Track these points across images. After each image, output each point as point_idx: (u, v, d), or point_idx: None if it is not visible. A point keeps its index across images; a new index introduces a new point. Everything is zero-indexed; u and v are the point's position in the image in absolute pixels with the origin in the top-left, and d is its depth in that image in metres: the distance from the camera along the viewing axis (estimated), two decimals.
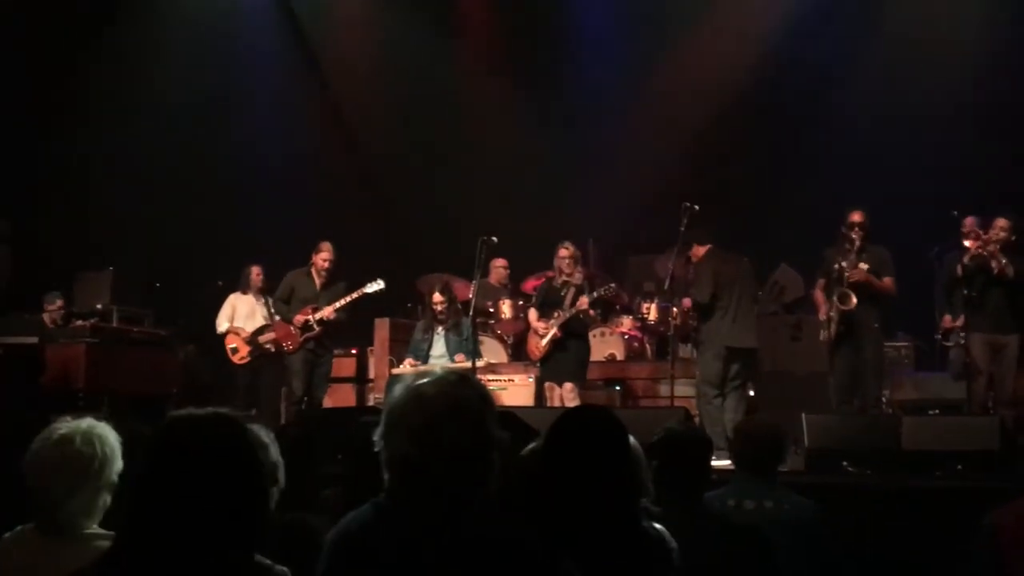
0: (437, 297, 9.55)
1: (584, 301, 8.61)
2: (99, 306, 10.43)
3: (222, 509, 1.96)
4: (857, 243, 8.25)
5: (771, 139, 11.83)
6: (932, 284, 9.13)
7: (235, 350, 10.13)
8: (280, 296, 9.76)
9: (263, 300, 10.29)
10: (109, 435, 2.87)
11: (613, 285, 9.23)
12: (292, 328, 9.47)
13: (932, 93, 11.38)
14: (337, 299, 9.45)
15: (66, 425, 2.86)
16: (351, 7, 13.80)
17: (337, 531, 2.22)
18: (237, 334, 10.13)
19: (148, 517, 1.97)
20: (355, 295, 9.45)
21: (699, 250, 8.70)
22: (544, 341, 8.71)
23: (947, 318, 8.90)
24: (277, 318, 9.87)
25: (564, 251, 8.87)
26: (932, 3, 11.92)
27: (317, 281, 9.60)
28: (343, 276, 9.69)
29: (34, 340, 9.00)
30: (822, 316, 8.44)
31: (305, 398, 9.42)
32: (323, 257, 9.56)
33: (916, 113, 11.40)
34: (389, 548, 2.10)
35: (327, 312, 9.38)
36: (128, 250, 11.62)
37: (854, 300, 8.16)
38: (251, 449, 2.04)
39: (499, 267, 11.03)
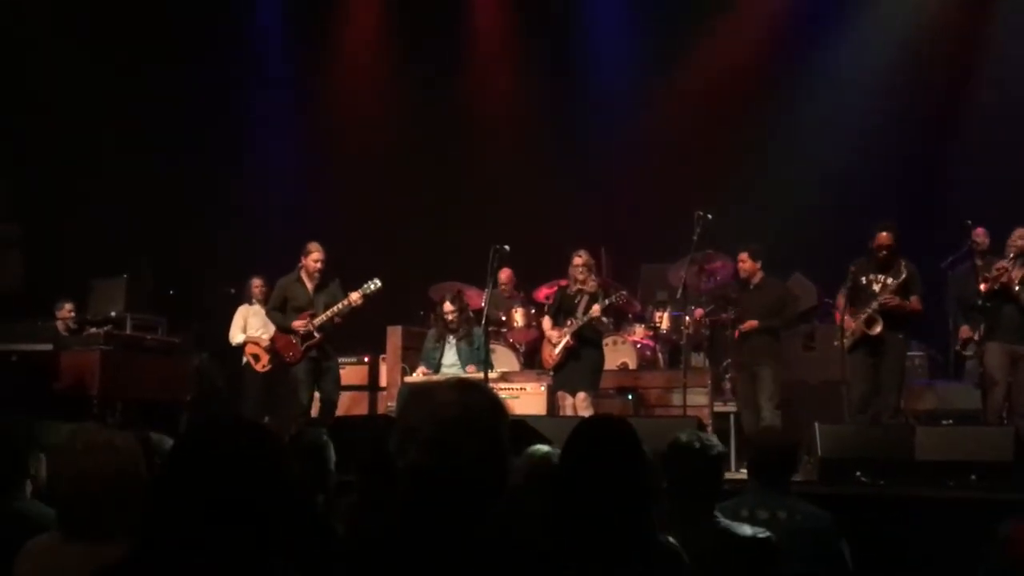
0: (448, 307, 9.64)
1: (597, 309, 8.60)
2: (113, 313, 10.46)
3: (246, 516, 1.97)
4: (881, 261, 8.26)
5: (785, 147, 11.81)
6: (944, 294, 9.12)
7: (256, 358, 10.09)
8: (273, 305, 9.41)
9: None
10: (135, 442, 2.91)
11: (624, 292, 9.24)
12: (292, 338, 9.15)
13: (946, 100, 11.38)
14: (333, 299, 9.13)
15: (93, 433, 2.89)
16: (360, 11, 13.85)
17: (352, 540, 2.23)
18: (256, 343, 10.12)
19: (169, 522, 1.98)
20: (356, 297, 9.08)
21: (752, 265, 9.00)
22: (557, 350, 8.71)
23: (964, 328, 8.88)
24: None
25: (578, 259, 8.86)
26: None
27: (309, 285, 9.24)
28: (353, 285, 9.48)
29: (48, 347, 9.04)
30: (840, 322, 8.44)
31: (317, 406, 9.35)
32: (314, 259, 9.18)
33: (926, 118, 11.39)
34: (403, 557, 2.10)
35: (351, 300, 9.05)
36: (142, 257, 11.65)
37: (879, 327, 8.16)
38: (279, 458, 2.05)
39: (502, 279, 10.84)
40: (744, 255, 9.04)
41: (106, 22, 12.03)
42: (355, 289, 9.16)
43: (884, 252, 8.29)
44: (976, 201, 9.71)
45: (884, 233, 8.32)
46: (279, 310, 9.35)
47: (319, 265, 9.20)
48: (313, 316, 9.11)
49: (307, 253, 9.25)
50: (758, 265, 8.99)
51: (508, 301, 10.94)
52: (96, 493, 2.77)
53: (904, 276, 8.25)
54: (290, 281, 9.37)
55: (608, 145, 12.75)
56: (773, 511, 3.96)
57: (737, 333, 8.98)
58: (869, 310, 8.22)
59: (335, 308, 9.09)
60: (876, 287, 8.30)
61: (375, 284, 9.14)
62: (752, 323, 8.85)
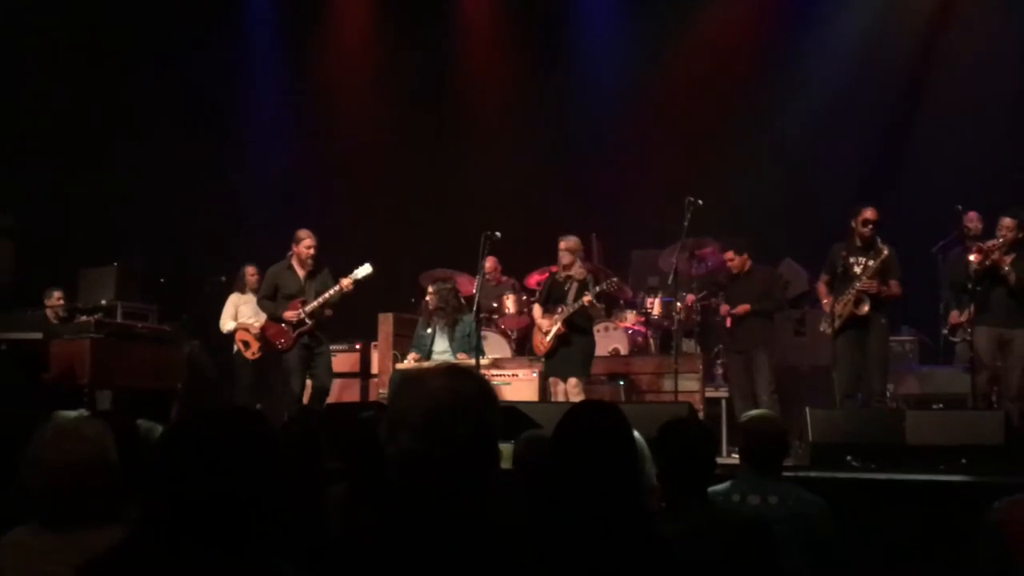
0: (428, 289, 9.67)
1: (589, 297, 8.59)
2: (103, 301, 10.43)
3: (237, 504, 1.96)
4: (874, 241, 8.28)
5: (775, 132, 11.82)
6: (935, 279, 9.14)
7: (247, 345, 10.10)
8: (265, 294, 9.37)
9: None
10: (105, 429, 2.90)
11: (615, 279, 9.22)
12: (283, 325, 9.12)
13: (938, 83, 11.39)
14: (324, 287, 9.10)
15: (64, 420, 2.89)
16: (352, 4, 13.82)
17: (343, 526, 2.23)
18: (247, 330, 10.12)
19: (161, 510, 1.97)
20: (347, 283, 9.03)
21: (740, 259, 9.07)
22: (548, 337, 8.71)
23: (954, 314, 8.91)
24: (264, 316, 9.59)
25: (562, 244, 8.87)
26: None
27: (301, 272, 9.20)
28: (327, 265, 9.35)
29: (38, 336, 9.01)
30: (825, 308, 8.47)
31: (309, 392, 9.33)
32: (306, 245, 9.13)
33: (919, 104, 11.40)
34: (394, 543, 2.10)
35: (342, 286, 9.03)
36: (132, 245, 11.62)
37: (867, 307, 8.19)
38: (270, 445, 2.05)
39: (487, 268, 10.72)
40: (729, 253, 9.13)
41: (98, 11, 11.98)
42: (346, 277, 9.15)
43: (870, 226, 8.30)
44: (966, 189, 9.71)
45: (871, 209, 8.36)
46: (270, 298, 9.31)
47: (311, 252, 9.17)
48: (304, 303, 9.09)
49: (298, 241, 9.21)
50: (745, 256, 9.05)
51: (496, 288, 10.93)
52: (67, 482, 2.76)
53: (885, 255, 8.27)
54: (281, 269, 9.33)
55: (599, 132, 12.74)
56: (765, 496, 3.96)
57: (728, 320, 9.01)
58: (853, 291, 8.25)
59: (326, 295, 9.06)
60: (858, 269, 8.32)
61: (366, 269, 9.12)
62: (744, 307, 8.91)
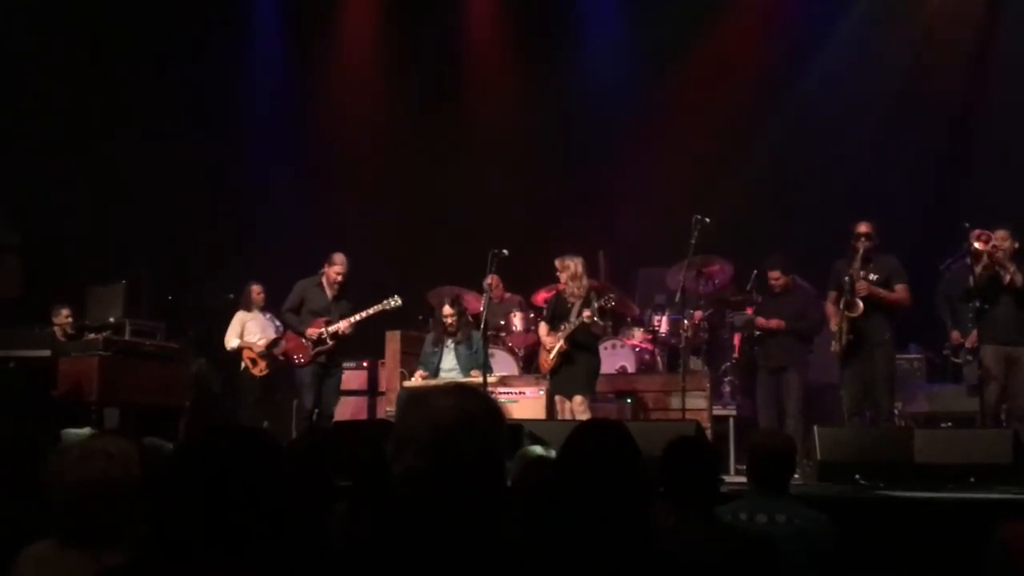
0: (447, 310, 9.65)
1: (587, 313, 8.55)
2: (111, 319, 10.45)
3: (245, 522, 1.97)
4: (863, 254, 8.27)
5: (780, 150, 11.83)
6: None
7: (254, 362, 10.16)
8: (290, 307, 9.53)
9: (269, 316, 10.32)
10: (131, 448, 2.91)
11: (613, 295, 9.14)
12: (304, 341, 9.31)
13: (944, 100, 11.40)
14: (347, 314, 9.32)
15: (89, 440, 2.90)
16: (357, 14, 13.86)
17: (348, 546, 2.23)
18: (251, 348, 10.17)
19: (168, 528, 1.98)
20: (372, 311, 9.30)
21: (785, 279, 9.05)
22: (552, 354, 8.69)
23: (955, 334, 8.89)
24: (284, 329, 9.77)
25: (558, 263, 8.86)
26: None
27: (328, 293, 9.41)
28: (352, 290, 9.57)
29: (46, 353, 9.03)
30: (833, 327, 8.46)
31: (316, 411, 9.36)
32: (336, 271, 9.35)
33: (925, 120, 11.41)
34: (399, 563, 2.10)
35: (343, 327, 9.25)
36: (140, 263, 11.63)
37: (861, 307, 8.18)
38: (277, 463, 2.06)
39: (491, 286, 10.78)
40: (776, 272, 9.04)
41: (105, 25, 12.01)
42: (371, 304, 9.39)
43: (862, 239, 8.30)
44: (969, 204, 9.72)
45: (864, 223, 8.39)
46: (295, 311, 9.47)
47: (340, 278, 9.38)
48: (328, 323, 9.24)
49: (331, 263, 9.41)
50: (789, 276, 9.04)
51: (502, 306, 10.93)
52: (91, 500, 2.77)
53: (886, 267, 8.27)
54: (310, 284, 9.52)
55: (606, 149, 12.76)
56: (772, 514, 3.95)
57: (736, 337, 8.98)
58: (847, 299, 8.25)
59: (355, 318, 9.25)
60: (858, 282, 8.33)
61: (396, 301, 9.37)
62: (779, 322, 8.89)
